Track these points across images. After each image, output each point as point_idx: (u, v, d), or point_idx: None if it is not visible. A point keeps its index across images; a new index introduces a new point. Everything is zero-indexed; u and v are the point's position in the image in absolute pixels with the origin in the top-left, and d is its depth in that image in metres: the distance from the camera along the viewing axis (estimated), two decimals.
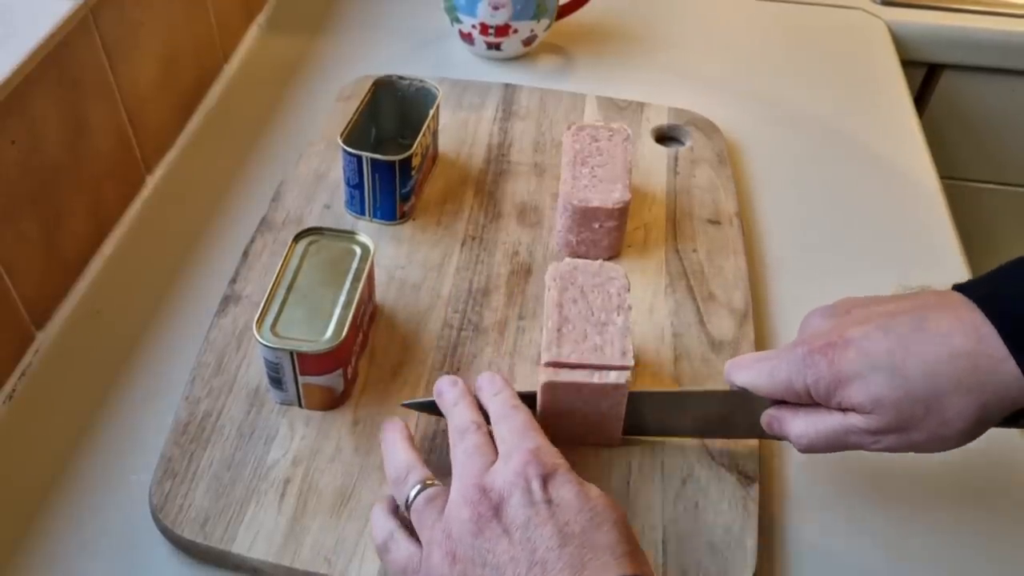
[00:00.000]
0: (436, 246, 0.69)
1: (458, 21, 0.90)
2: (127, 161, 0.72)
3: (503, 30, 0.88)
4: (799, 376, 0.47)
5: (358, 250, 0.59)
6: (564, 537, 0.41)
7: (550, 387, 0.52)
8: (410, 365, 0.61)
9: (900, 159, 0.84)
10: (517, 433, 0.47)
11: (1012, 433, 0.60)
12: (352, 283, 0.57)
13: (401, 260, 0.68)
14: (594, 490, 0.44)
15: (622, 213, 0.66)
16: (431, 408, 0.54)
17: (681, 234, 0.72)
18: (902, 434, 0.45)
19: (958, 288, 0.46)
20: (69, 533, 0.53)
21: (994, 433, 0.60)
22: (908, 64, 0.99)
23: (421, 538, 0.45)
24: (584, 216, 0.66)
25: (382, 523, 0.48)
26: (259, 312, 0.54)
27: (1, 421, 0.58)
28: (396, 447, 0.50)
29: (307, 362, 0.54)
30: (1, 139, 0.56)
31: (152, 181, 0.76)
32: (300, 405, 0.57)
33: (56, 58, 0.60)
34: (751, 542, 0.52)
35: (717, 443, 0.57)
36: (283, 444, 0.55)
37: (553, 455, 0.45)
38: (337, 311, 0.55)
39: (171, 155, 0.79)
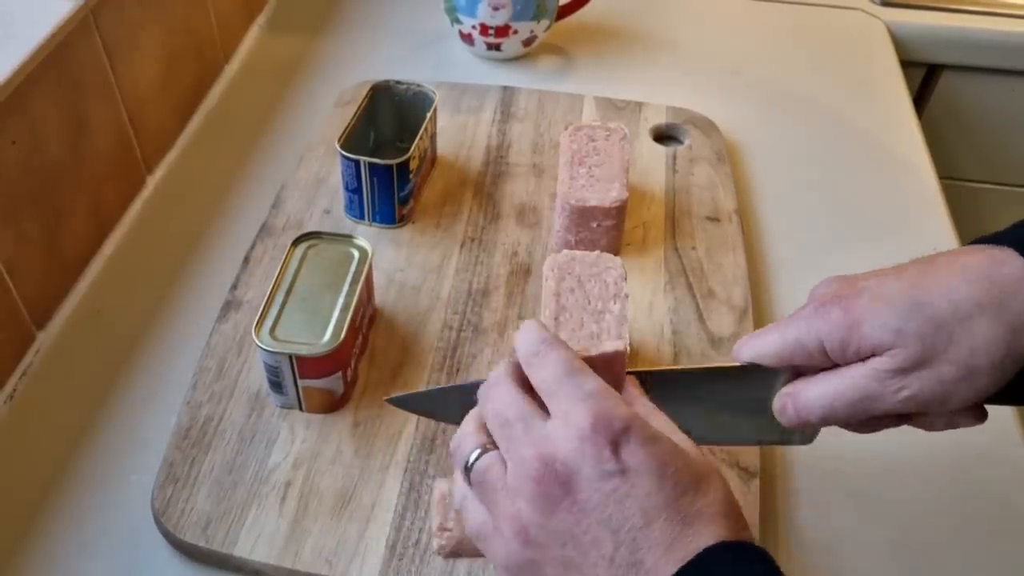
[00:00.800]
0: (435, 248, 0.70)
1: (458, 22, 0.90)
2: (127, 161, 0.72)
3: (503, 31, 0.89)
4: (811, 332, 0.42)
5: (356, 253, 0.60)
6: (648, 514, 0.36)
7: None
8: (410, 367, 0.61)
9: (899, 159, 0.85)
10: (565, 381, 0.39)
11: (1013, 433, 0.61)
12: (351, 286, 0.57)
13: (400, 263, 0.68)
14: (666, 443, 0.38)
15: (619, 212, 0.66)
16: (416, 404, 0.49)
17: (680, 232, 0.72)
18: (929, 370, 0.40)
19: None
20: (69, 533, 0.53)
21: (998, 426, 0.61)
22: (907, 64, 0.99)
23: (484, 503, 0.40)
24: (582, 215, 0.66)
25: (458, 486, 0.42)
26: (258, 316, 0.55)
27: (1, 421, 0.58)
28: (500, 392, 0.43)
29: (306, 365, 0.54)
30: (2, 139, 0.56)
31: (152, 181, 0.76)
32: (300, 408, 0.57)
33: (56, 58, 0.60)
34: (752, 538, 0.52)
35: None
36: (284, 447, 0.56)
37: (615, 405, 0.38)
38: (336, 314, 0.55)
39: (171, 155, 0.79)
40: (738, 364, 0.46)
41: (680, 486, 0.37)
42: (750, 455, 0.56)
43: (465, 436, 0.42)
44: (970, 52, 1.03)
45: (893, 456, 0.59)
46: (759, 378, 0.46)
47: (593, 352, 0.50)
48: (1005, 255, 0.40)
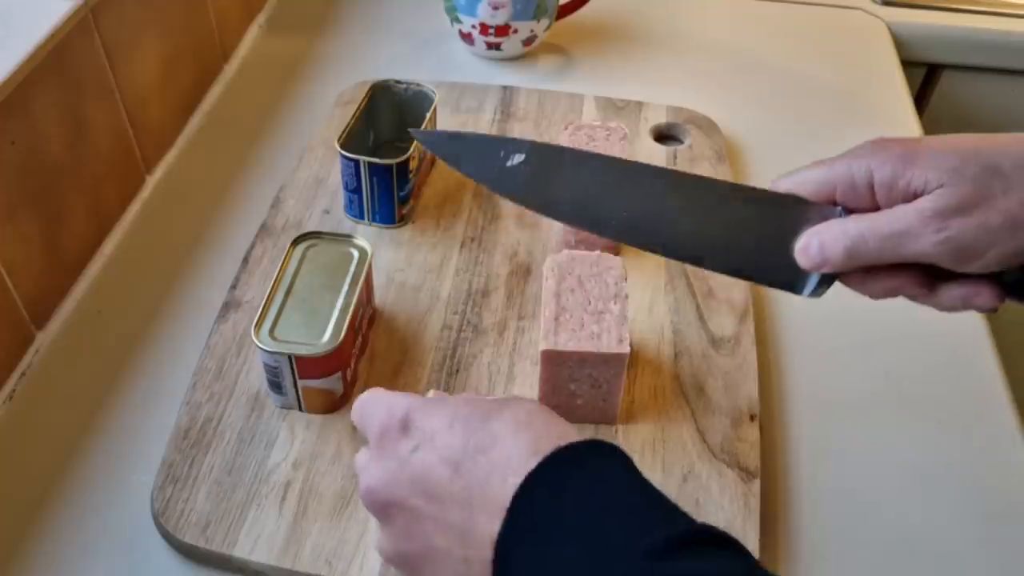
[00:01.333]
0: (435, 248, 0.70)
1: (458, 21, 0.90)
2: (127, 161, 0.72)
3: (503, 30, 0.88)
4: (863, 162, 0.41)
5: (356, 253, 0.59)
6: (453, 465, 0.37)
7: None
8: (410, 367, 0.61)
9: None
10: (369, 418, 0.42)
11: (1014, 425, 0.61)
12: (350, 286, 0.57)
13: (400, 263, 0.68)
14: (446, 402, 0.40)
15: None
16: (441, 146, 0.48)
17: None
18: (978, 215, 0.39)
19: None
20: (69, 533, 0.53)
21: (997, 423, 0.61)
22: (908, 64, 0.99)
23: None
24: None
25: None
26: (257, 316, 0.55)
27: (1, 421, 0.58)
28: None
29: (306, 365, 0.54)
30: (1, 139, 0.56)
31: (152, 181, 0.76)
32: (300, 409, 0.57)
33: (56, 58, 0.60)
34: (753, 538, 0.52)
35: (718, 438, 0.57)
36: (283, 448, 0.56)
37: (393, 404, 0.41)
38: (335, 314, 0.55)
39: (171, 155, 0.79)
40: (772, 191, 0.43)
41: (470, 427, 0.38)
42: (751, 456, 0.56)
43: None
44: (971, 52, 1.03)
45: (893, 456, 0.59)
46: (790, 210, 0.43)
47: (597, 349, 0.51)
48: None
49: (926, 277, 0.42)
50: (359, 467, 0.42)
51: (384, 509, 0.40)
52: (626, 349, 0.53)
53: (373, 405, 0.42)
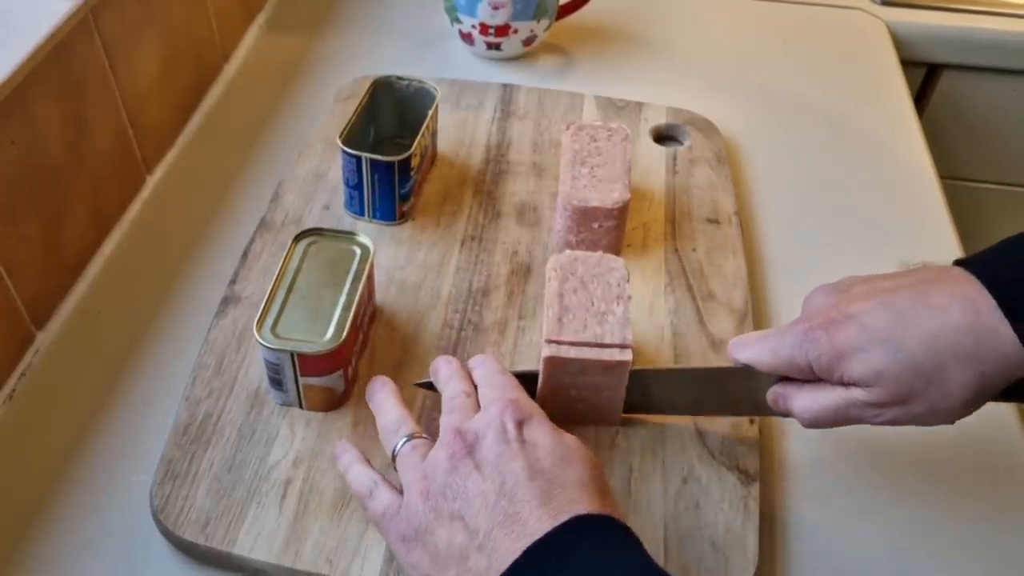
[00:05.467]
0: (435, 246, 0.70)
1: (458, 21, 0.90)
2: (127, 161, 0.72)
3: (503, 30, 0.88)
4: (801, 352, 0.47)
5: (358, 251, 0.59)
6: (533, 471, 0.42)
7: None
8: (410, 365, 0.61)
9: (900, 159, 0.84)
10: (498, 388, 0.49)
11: (1014, 424, 0.61)
12: (352, 284, 0.57)
13: (401, 260, 0.68)
14: (569, 437, 0.45)
15: (621, 213, 0.66)
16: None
17: (680, 234, 0.72)
18: (903, 406, 0.45)
19: (958, 263, 0.47)
20: (69, 533, 0.53)
21: (996, 422, 0.61)
22: (908, 64, 0.99)
23: (403, 482, 0.46)
24: (583, 216, 0.66)
25: (363, 473, 0.49)
26: (259, 313, 0.55)
27: (1, 421, 0.58)
28: (387, 404, 0.51)
29: (307, 363, 0.54)
30: (1, 139, 0.56)
31: (152, 181, 0.76)
32: (301, 406, 0.57)
33: (56, 58, 0.60)
34: (752, 541, 0.52)
35: (718, 441, 0.57)
36: (284, 445, 0.55)
37: (530, 405, 0.47)
38: (337, 312, 0.55)
39: (171, 155, 0.79)
40: (731, 367, 0.52)
41: (566, 459, 0.43)
42: (751, 459, 0.56)
43: (399, 423, 0.49)
44: (971, 52, 1.03)
45: (894, 457, 0.59)
46: (754, 376, 0.51)
47: (599, 357, 0.52)
48: (985, 303, 0.43)
49: None
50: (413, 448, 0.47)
51: (465, 447, 0.44)
52: (628, 357, 0.53)
53: (475, 411, 0.47)
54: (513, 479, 0.42)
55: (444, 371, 0.53)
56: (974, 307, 0.44)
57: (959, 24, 1.02)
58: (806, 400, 0.48)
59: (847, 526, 0.55)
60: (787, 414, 0.50)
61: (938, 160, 0.84)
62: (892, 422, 0.46)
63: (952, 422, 0.46)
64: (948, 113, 1.08)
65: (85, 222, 0.67)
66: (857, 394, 0.46)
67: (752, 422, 0.58)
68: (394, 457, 0.48)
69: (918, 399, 0.45)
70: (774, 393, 0.50)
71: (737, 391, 0.53)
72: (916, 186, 0.81)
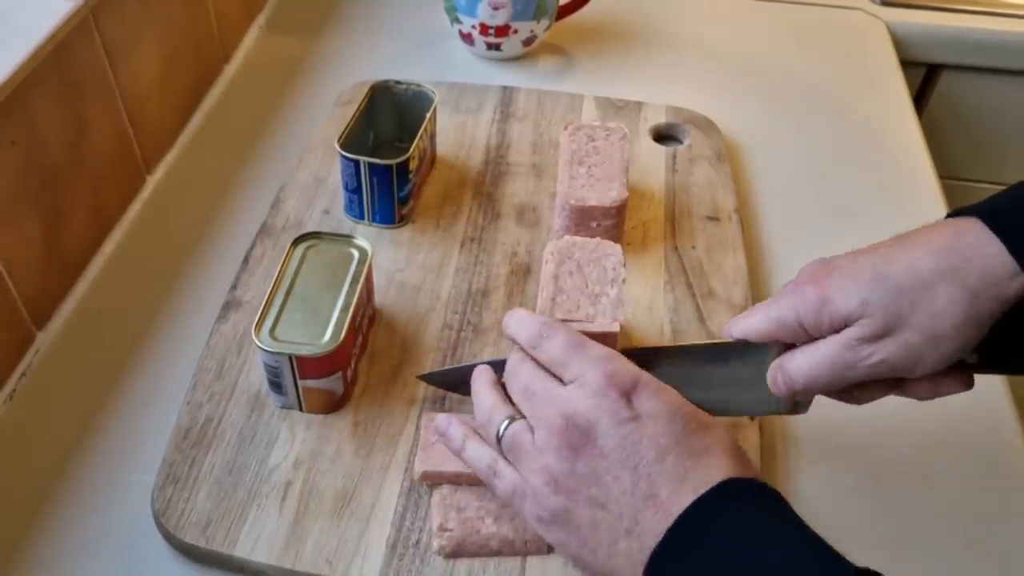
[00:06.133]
0: (435, 248, 0.70)
1: (458, 22, 0.90)
2: (127, 161, 0.72)
3: (503, 30, 0.88)
4: (790, 311, 0.46)
5: (356, 254, 0.60)
6: (661, 450, 0.41)
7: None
8: (410, 367, 0.61)
9: (899, 159, 0.85)
10: (574, 351, 0.45)
11: (1014, 424, 0.61)
12: (350, 286, 0.57)
13: (400, 263, 0.68)
14: (673, 394, 0.44)
15: (619, 212, 0.66)
16: (446, 381, 0.54)
17: (680, 232, 0.72)
18: (896, 337, 0.44)
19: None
20: (70, 533, 0.53)
21: (996, 422, 0.61)
22: (907, 64, 0.99)
23: (518, 469, 0.45)
24: (581, 215, 0.66)
25: (481, 451, 0.48)
26: (258, 316, 0.55)
27: (1, 421, 0.58)
28: (483, 390, 0.49)
29: (306, 365, 0.54)
30: (1, 139, 0.56)
31: (152, 181, 0.76)
32: (300, 409, 0.57)
33: (56, 58, 0.60)
34: None
35: None
36: (284, 448, 0.56)
37: (624, 364, 0.45)
38: (336, 314, 0.55)
39: (171, 155, 0.79)
40: (730, 341, 0.50)
41: (688, 427, 0.42)
42: (750, 458, 0.56)
43: (494, 409, 0.47)
44: (970, 52, 1.03)
45: (894, 454, 0.59)
46: (751, 353, 0.49)
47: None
48: (968, 225, 0.43)
49: (893, 380, 0.47)
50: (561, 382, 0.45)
51: (581, 435, 0.43)
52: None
53: (606, 351, 0.45)
54: (643, 462, 0.41)
55: (513, 359, 0.48)
56: (953, 230, 0.43)
57: (959, 24, 1.02)
58: (801, 358, 0.47)
59: (848, 524, 0.56)
60: (788, 395, 0.48)
61: (937, 160, 0.84)
62: (888, 362, 0.44)
63: (952, 359, 0.44)
64: (947, 113, 1.08)
65: (85, 222, 0.67)
66: (848, 333, 0.44)
67: (752, 419, 0.58)
68: (499, 440, 0.46)
69: (908, 324, 0.43)
70: (772, 370, 0.49)
71: (739, 376, 0.51)
72: (915, 185, 0.82)
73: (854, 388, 0.48)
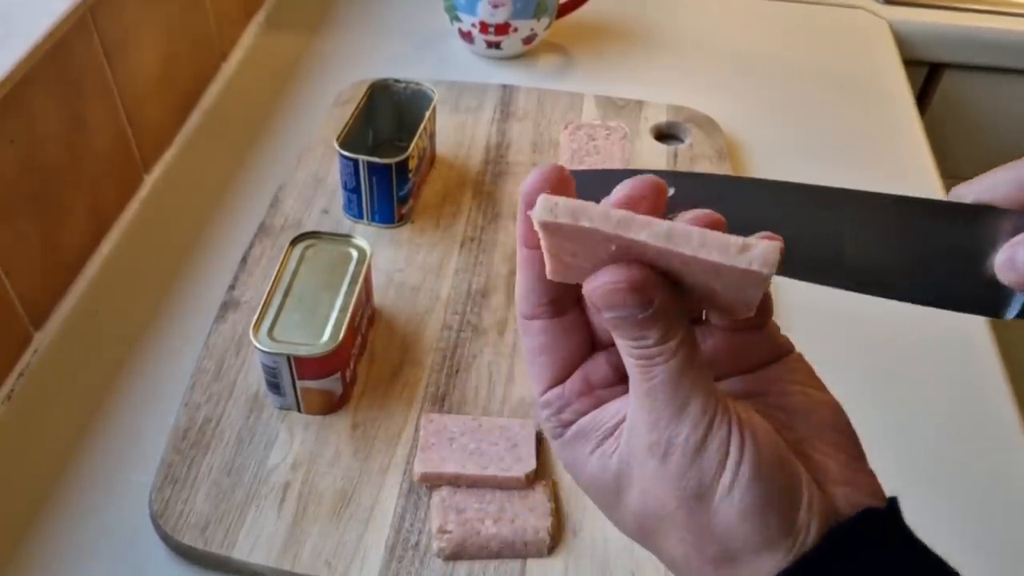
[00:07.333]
0: (435, 248, 0.69)
1: (458, 20, 0.89)
2: (125, 160, 0.72)
3: (503, 28, 0.88)
4: None
5: (355, 253, 0.59)
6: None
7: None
8: (410, 367, 0.61)
9: (902, 158, 0.84)
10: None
11: (1014, 425, 0.61)
12: (349, 286, 0.57)
13: (400, 263, 0.68)
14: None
15: None
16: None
17: None
18: None
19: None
20: (69, 533, 0.53)
21: (996, 423, 0.60)
22: (910, 63, 0.99)
23: None
24: None
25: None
26: (256, 317, 0.54)
27: (0, 421, 0.58)
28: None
29: (305, 366, 0.54)
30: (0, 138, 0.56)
31: (150, 180, 0.76)
32: (299, 409, 0.57)
33: (55, 57, 0.60)
34: None
35: None
36: (282, 449, 0.55)
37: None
38: (334, 315, 0.55)
39: (169, 154, 0.79)
40: (955, 203, 0.35)
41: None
42: None
43: None
44: (973, 51, 1.02)
45: (894, 455, 0.59)
46: (983, 221, 0.35)
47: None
48: None
49: None
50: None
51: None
52: None
53: None
54: None
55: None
56: None
57: (962, 23, 1.01)
58: None
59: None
60: (1019, 285, 0.33)
61: (940, 159, 0.84)
62: None
63: None
64: (950, 112, 1.08)
65: (83, 221, 0.67)
66: None
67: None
68: None
69: None
70: (1012, 246, 0.33)
71: (945, 249, 0.35)
72: (918, 185, 0.81)
73: None
